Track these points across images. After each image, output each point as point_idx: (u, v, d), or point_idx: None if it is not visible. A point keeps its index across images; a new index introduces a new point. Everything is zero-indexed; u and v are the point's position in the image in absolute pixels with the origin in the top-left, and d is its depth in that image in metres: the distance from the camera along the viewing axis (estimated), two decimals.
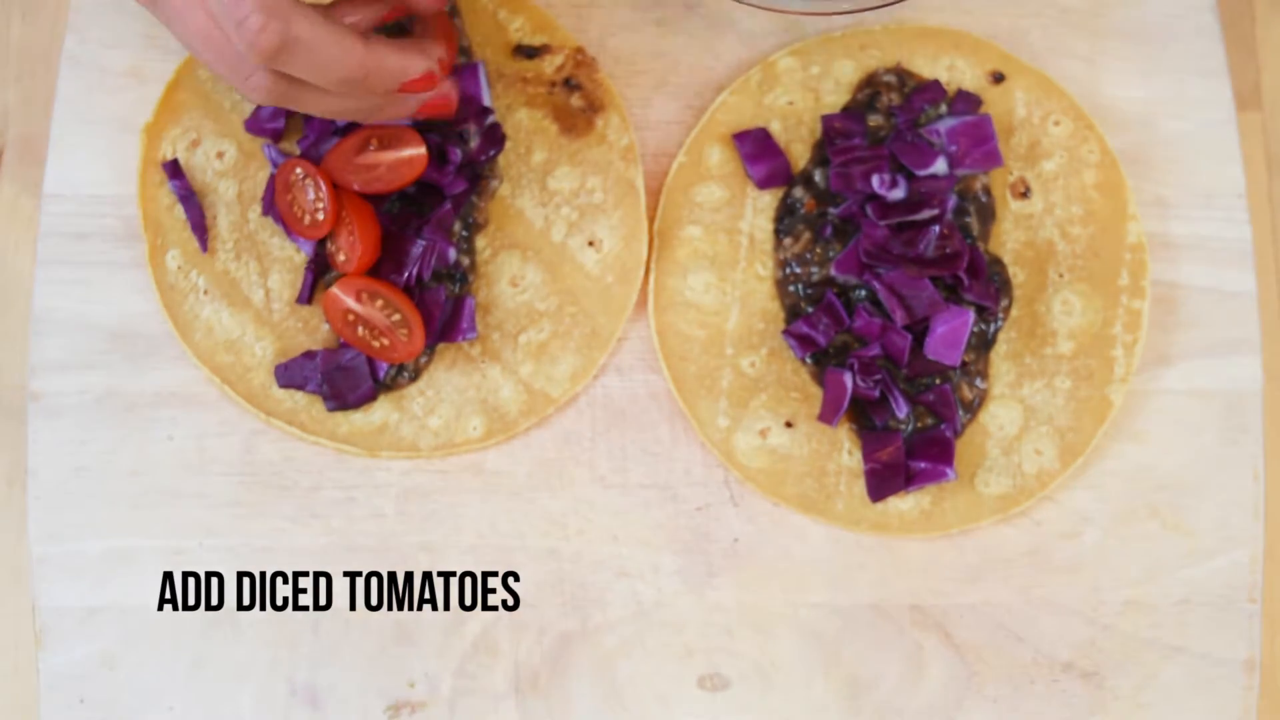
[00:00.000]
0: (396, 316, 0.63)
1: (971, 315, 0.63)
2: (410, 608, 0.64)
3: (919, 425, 0.64)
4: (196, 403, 0.66)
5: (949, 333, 0.63)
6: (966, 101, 0.67)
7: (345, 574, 0.64)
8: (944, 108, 0.67)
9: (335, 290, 0.63)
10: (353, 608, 0.64)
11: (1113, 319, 0.66)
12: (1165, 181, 0.68)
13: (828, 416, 0.64)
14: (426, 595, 0.64)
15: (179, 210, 0.67)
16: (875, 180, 0.65)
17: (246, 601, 0.64)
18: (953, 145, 0.66)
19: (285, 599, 0.64)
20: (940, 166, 0.65)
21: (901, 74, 0.68)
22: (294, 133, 0.68)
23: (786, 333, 0.65)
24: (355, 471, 0.65)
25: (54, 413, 0.65)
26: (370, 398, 0.65)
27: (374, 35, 0.56)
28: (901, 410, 0.64)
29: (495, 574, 0.64)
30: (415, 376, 0.65)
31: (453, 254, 0.66)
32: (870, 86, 0.68)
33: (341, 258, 0.63)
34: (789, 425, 0.65)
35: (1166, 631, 0.64)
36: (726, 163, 0.67)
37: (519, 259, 0.67)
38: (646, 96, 0.69)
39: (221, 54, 0.54)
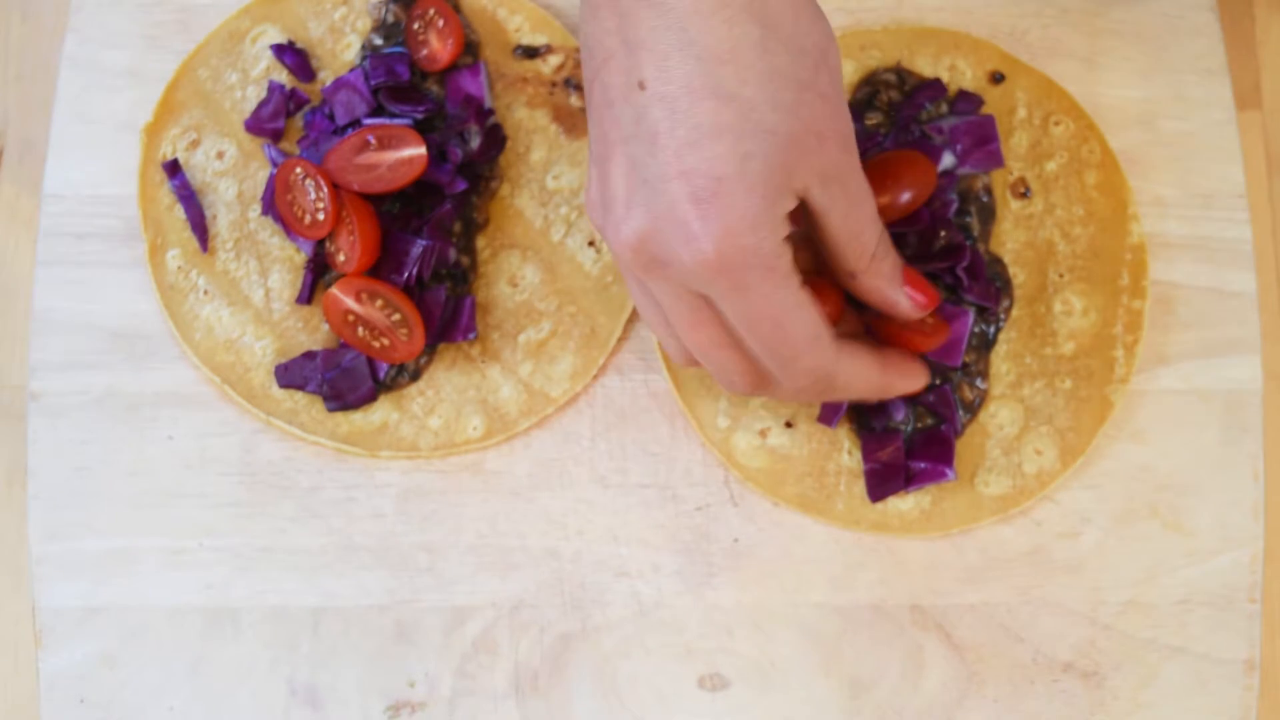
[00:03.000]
0: (396, 316, 0.63)
1: (971, 316, 0.63)
2: (410, 608, 0.64)
3: (919, 425, 0.64)
4: (196, 403, 0.66)
5: (950, 334, 0.63)
6: (968, 102, 0.67)
7: (345, 574, 0.64)
8: (944, 107, 0.67)
9: (335, 290, 0.63)
10: (353, 608, 0.64)
11: (1113, 319, 0.66)
12: (1165, 181, 0.68)
13: (827, 418, 0.64)
14: (426, 595, 0.64)
15: (179, 210, 0.67)
16: None
17: (246, 601, 0.64)
18: (955, 144, 0.66)
19: (285, 599, 0.64)
20: (948, 161, 0.65)
21: (901, 73, 0.68)
22: (294, 133, 0.68)
23: None
24: (355, 471, 0.65)
25: (54, 413, 0.65)
26: (370, 398, 0.65)
27: (889, 349, 0.60)
28: (900, 412, 0.64)
29: (495, 574, 0.64)
30: (415, 376, 0.65)
31: (453, 254, 0.66)
32: (869, 85, 0.68)
33: (341, 258, 0.63)
34: (789, 425, 0.65)
35: (1166, 631, 0.64)
36: None
37: (518, 258, 0.67)
38: None
39: (734, 374, 0.56)
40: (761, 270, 0.50)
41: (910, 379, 0.60)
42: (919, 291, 0.57)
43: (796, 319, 0.52)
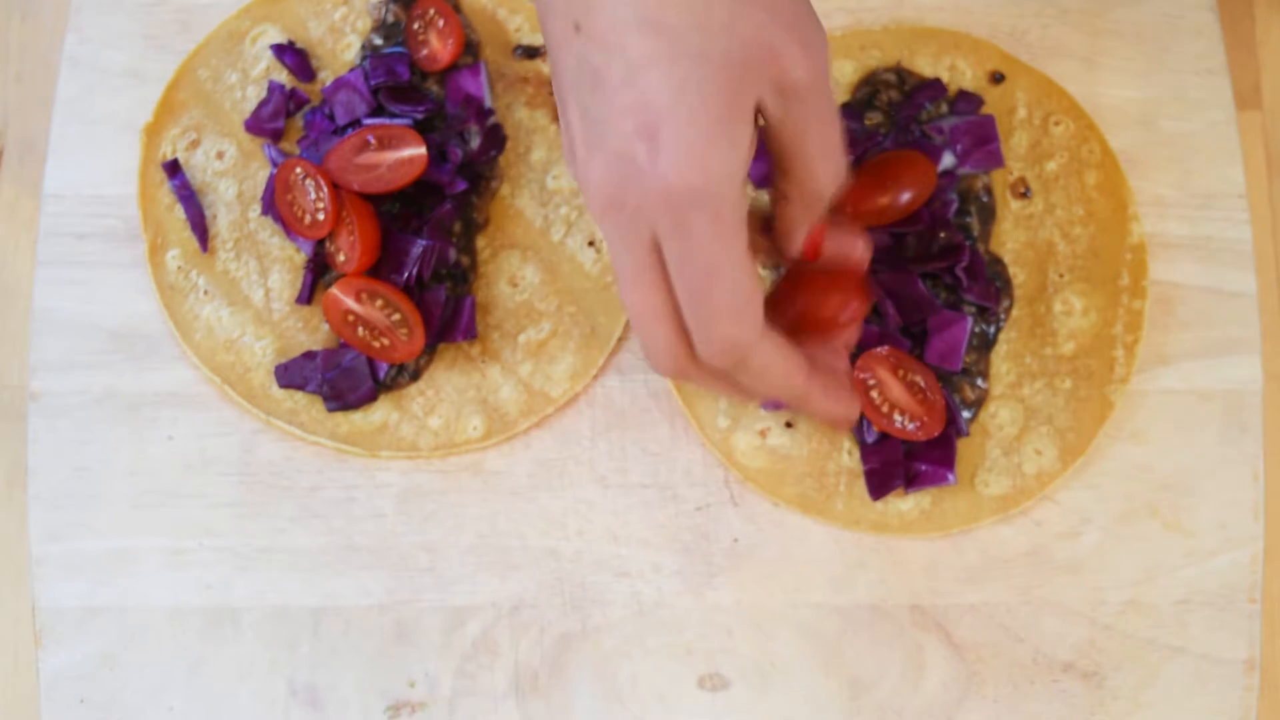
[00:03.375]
0: (396, 316, 0.63)
1: (969, 322, 0.63)
2: (410, 608, 0.64)
3: None
4: (196, 403, 0.66)
5: (948, 340, 0.63)
6: (968, 102, 0.67)
7: (345, 574, 0.64)
8: (944, 107, 0.67)
9: (335, 291, 0.63)
10: (353, 608, 0.64)
11: (1113, 319, 0.66)
12: (1165, 181, 0.68)
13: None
14: (426, 595, 0.64)
15: (179, 210, 0.67)
16: None
17: (246, 601, 0.64)
18: (955, 144, 0.66)
19: (285, 599, 0.64)
20: (948, 161, 0.65)
21: (901, 73, 0.68)
22: (294, 133, 0.68)
23: None
24: (355, 471, 0.65)
25: (54, 413, 0.65)
26: (370, 398, 0.65)
27: (817, 367, 0.54)
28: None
29: (495, 574, 0.64)
30: (415, 376, 0.65)
31: (453, 254, 0.66)
32: (869, 85, 0.68)
33: (341, 258, 0.63)
34: (789, 425, 0.65)
35: (1166, 631, 0.64)
36: None
37: (518, 258, 0.67)
38: None
39: (657, 325, 0.52)
40: (708, 212, 0.48)
41: (836, 403, 0.55)
42: (810, 242, 0.55)
43: (728, 278, 0.49)
